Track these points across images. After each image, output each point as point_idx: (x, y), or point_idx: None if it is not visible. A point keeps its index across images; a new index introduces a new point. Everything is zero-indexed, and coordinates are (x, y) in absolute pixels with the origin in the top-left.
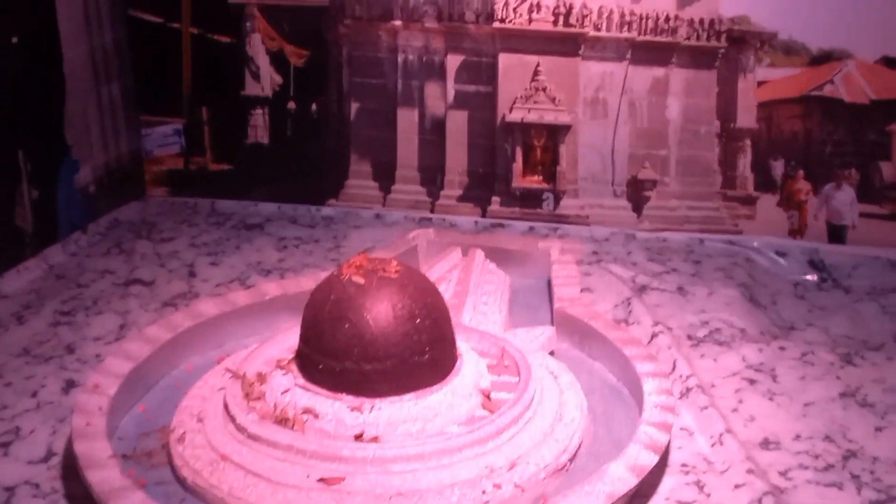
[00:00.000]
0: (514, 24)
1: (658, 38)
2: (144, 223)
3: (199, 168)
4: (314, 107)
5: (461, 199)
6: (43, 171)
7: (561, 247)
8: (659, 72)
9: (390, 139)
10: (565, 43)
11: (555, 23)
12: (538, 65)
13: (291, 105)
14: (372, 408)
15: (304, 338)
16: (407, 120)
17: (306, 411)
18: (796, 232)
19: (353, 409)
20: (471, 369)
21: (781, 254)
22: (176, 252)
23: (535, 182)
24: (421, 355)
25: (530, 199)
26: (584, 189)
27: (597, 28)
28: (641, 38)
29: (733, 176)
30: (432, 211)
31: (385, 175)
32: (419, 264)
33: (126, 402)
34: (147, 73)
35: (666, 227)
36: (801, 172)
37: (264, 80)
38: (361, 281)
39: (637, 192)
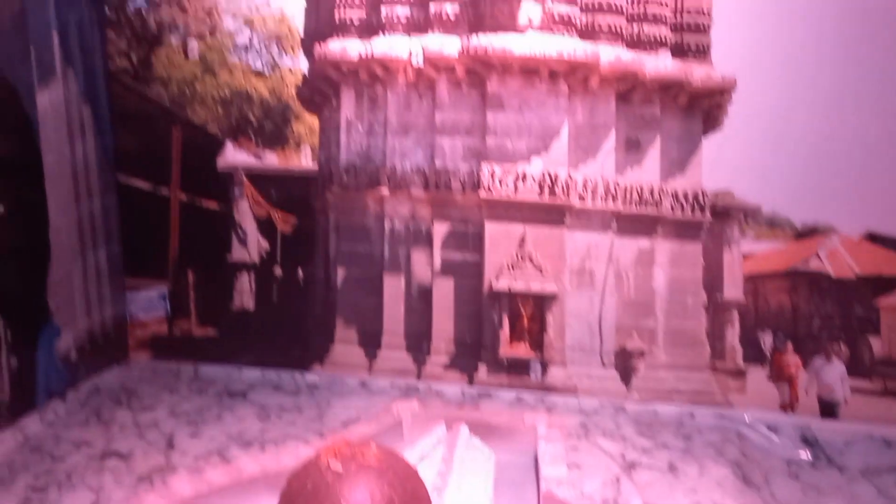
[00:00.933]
0: (499, 193)
1: (643, 211)
2: (125, 390)
3: (183, 333)
4: (300, 273)
5: (448, 366)
6: (23, 339)
7: (548, 421)
8: (644, 243)
9: (377, 305)
10: (551, 213)
11: (540, 193)
12: (524, 234)
13: (278, 271)
14: None
15: None
16: (393, 287)
17: None
18: (787, 406)
19: None
20: None
21: (773, 429)
22: (156, 422)
23: (522, 351)
24: None
25: (518, 368)
26: (572, 358)
27: (582, 199)
28: (626, 209)
29: (722, 348)
30: (419, 378)
31: (371, 341)
32: (403, 438)
33: None
34: (135, 238)
35: (655, 398)
36: (790, 345)
37: (251, 245)
38: (339, 468)
39: (625, 363)
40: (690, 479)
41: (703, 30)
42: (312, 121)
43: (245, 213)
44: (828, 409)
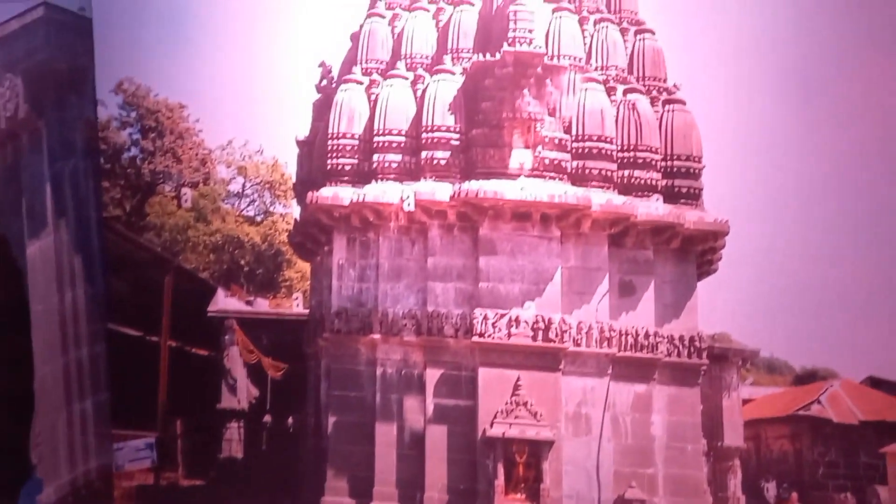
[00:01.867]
0: (493, 338)
1: (638, 354)
2: None
3: (170, 483)
4: (290, 420)
5: None
6: (3, 493)
7: None
8: (641, 387)
9: (368, 453)
10: (545, 358)
11: (534, 338)
12: (518, 379)
13: (268, 418)
14: None
15: None
16: (385, 434)
17: None
18: None
19: None
20: None
21: None
22: None
23: (517, 501)
24: None
25: None
26: None
27: (576, 343)
28: (622, 353)
29: (724, 497)
30: None
31: (363, 491)
32: None
33: None
34: (123, 386)
35: None
36: (794, 495)
37: (241, 392)
38: None
39: None
40: None
41: (694, 174)
42: (304, 266)
43: (235, 360)
44: None
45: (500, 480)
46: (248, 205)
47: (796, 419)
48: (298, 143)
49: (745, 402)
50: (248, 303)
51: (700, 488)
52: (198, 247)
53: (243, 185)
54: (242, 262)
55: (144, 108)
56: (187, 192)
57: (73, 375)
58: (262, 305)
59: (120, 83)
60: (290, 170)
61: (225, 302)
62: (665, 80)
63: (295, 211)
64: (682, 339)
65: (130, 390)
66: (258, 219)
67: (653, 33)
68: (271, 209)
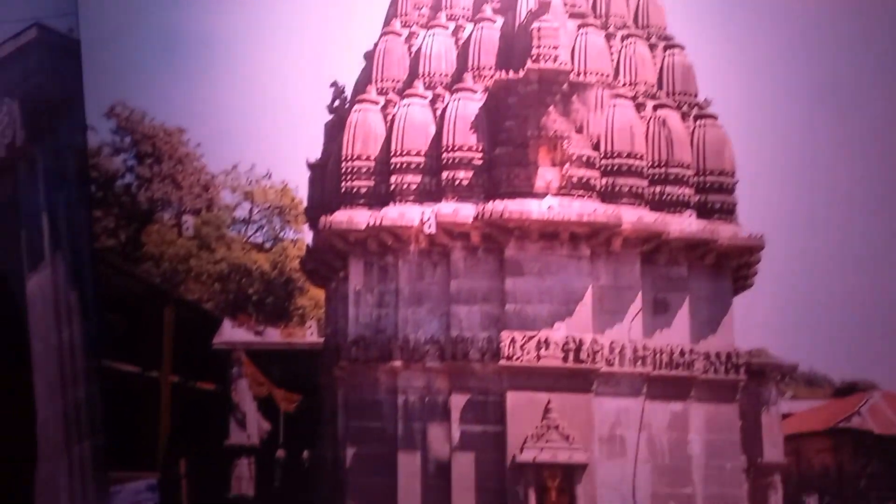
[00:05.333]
0: (521, 361)
1: (674, 373)
2: None
3: None
4: (306, 454)
5: None
6: None
7: None
8: (677, 406)
9: (390, 486)
10: (576, 379)
11: (564, 359)
12: (549, 402)
13: (280, 453)
14: None
15: None
16: (409, 465)
17: None
18: None
19: None
20: None
21: None
22: None
23: None
24: None
25: None
26: None
27: (609, 363)
28: (656, 372)
29: None
30: None
31: None
32: None
33: None
34: (120, 426)
35: None
36: None
37: (251, 427)
38: None
39: None
40: None
41: (727, 189)
42: (317, 294)
43: (244, 394)
44: None
45: None
46: (256, 231)
47: (837, 432)
48: (310, 165)
49: (785, 416)
50: (258, 333)
51: None
52: (201, 276)
53: (250, 211)
54: (251, 291)
55: (140, 133)
56: (188, 220)
57: (72, 418)
58: (273, 335)
59: (112, 107)
60: (301, 194)
61: (231, 333)
62: (696, 96)
63: (307, 236)
64: (718, 355)
65: (130, 430)
66: (267, 245)
67: (682, 48)
68: (281, 235)
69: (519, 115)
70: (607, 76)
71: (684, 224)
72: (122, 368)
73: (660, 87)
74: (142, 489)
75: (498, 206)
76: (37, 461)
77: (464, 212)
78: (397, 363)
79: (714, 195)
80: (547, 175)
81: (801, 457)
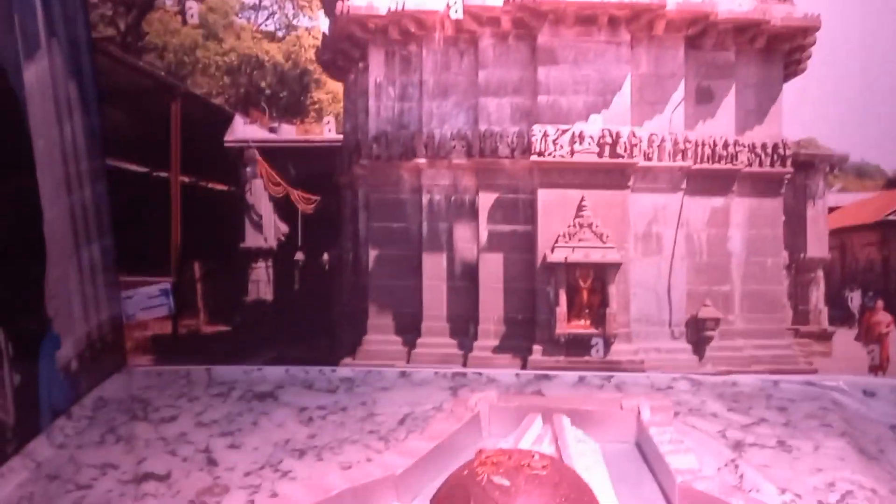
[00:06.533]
0: (554, 156)
1: (716, 166)
2: (135, 401)
3: (190, 332)
4: (326, 257)
5: (497, 349)
6: (24, 351)
7: (651, 405)
8: (718, 201)
9: (414, 288)
10: (612, 175)
11: (600, 154)
12: (582, 199)
13: (299, 256)
14: None
15: None
16: (433, 266)
17: None
18: (878, 368)
19: None
20: None
21: (869, 394)
22: (184, 435)
23: (581, 327)
24: None
25: (577, 347)
26: (638, 332)
27: (647, 158)
28: (697, 166)
29: (805, 310)
30: (465, 364)
31: (409, 328)
32: (482, 433)
33: None
34: (130, 230)
35: (731, 369)
36: (880, 303)
37: (267, 230)
38: (506, 482)
39: (698, 333)
40: (809, 456)
41: None
42: (335, 87)
43: (259, 195)
44: None
45: (562, 308)
46: (267, 18)
47: (885, 224)
48: None
49: (832, 210)
50: (272, 130)
51: (779, 303)
52: (209, 69)
53: None
54: (263, 85)
55: None
56: (193, 6)
57: (79, 219)
58: (289, 132)
59: None
60: None
61: (245, 130)
62: None
63: (323, 24)
64: (764, 147)
65: (140, 233)
66: (279, 34)
67: None
68: (294, 23)
69: None
70: None
71: (734, 4)
72: (130, 168)
73: None
74: (155, 293)
75: None
76: (46, 264)
77: None
78: (421, 160)
79: None
80: None
81: (847, 252)
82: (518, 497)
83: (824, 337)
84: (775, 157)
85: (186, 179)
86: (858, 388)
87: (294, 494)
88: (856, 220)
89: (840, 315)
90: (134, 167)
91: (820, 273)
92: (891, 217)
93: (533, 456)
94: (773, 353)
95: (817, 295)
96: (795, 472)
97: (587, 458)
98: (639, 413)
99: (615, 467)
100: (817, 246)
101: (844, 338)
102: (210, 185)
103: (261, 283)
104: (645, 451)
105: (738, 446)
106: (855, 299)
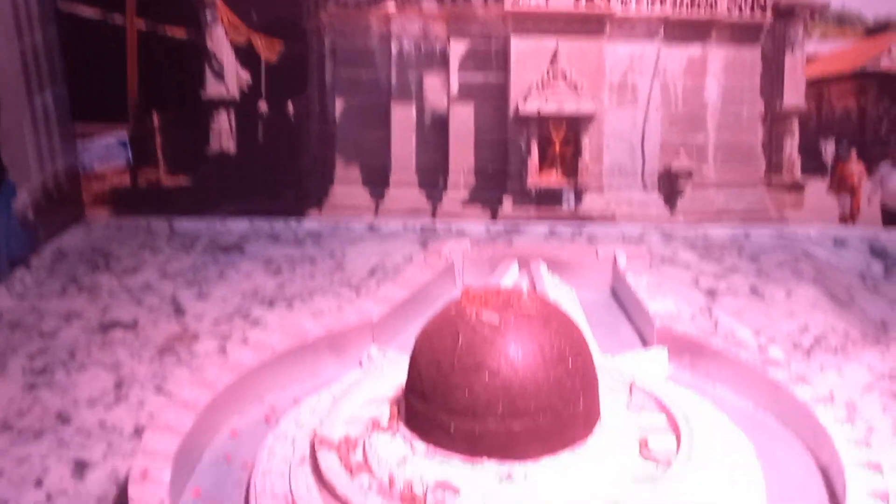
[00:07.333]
0: (528, 3)
1: (695, 14)
2: (96, 252)
3: (150, 184)
4: (290, 106)
5: (467, 202)
6: None
7: (627, 252)
8: (695, 51)
9: (383, 139)
10: (588, 23)
11: (576, 1)
12: (557, 48)
13: (263, 106)
14: (525, 475)
15: (421, 392)
16: (403, 116)
17: (441, 486)
18: (848, 218)
19: (502, 480)
20: (616, 412)
21: (839, 243)
22: (148, 285)
23: (553, 179)
24: (575, 404)
25: (548, 198)
26: (610, 184)
27: (625, 5)
28: (676, 14)
29: (779, 160)
30: (434, 216)
31: (377, 179)
32: (455, 282)
33: (178, 485)
34: (84, 77)
35: (703, 220)
36: (854, 153)
37: (229, 78)
38: (496, 319)
39: (670, 185)
40: (781, 303)
41: None
42: None
43: (220, 41)
44: (892, 218)
45: (534, 159)
46: None
47: (862, 75)
48: None
49: (810, 59)
50: None
51: (753, 153)
52: None
53: None
54: None
55: None
56: None
57: (31, 64)
58: None
59: None
60: None
61: None
62: None
63: None
64: None
65: (95, 80)
66: None
67: None
68: None
69: None
70: None
71: None
72: (82, 14)
73: None
74: (112, 144)
75: None
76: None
77: None
78: (391, 7)
79: None
80: None
81: (823, 102)
82: (508, 333)
83: (796, 188)
84: (756, 4)
85: (142, 25)
86: (829, 238)
87: (268, 340)
88: (834, 70)
89: (813, 165)
90: (88, 12)
91: (795, 123)
92: (868, 67)
93: (521, 293)
94: (744, 205)
95: (791, 144)
96: (769, 318)
97: (565, 304)
98: (615, 261)
99: (592, 314)
100: (794, 94)
101: (817, 189)
102: (168, 31)
103: (223, 133)
104: (621, 297)
105: (711, 293)
106: (829, 149)
